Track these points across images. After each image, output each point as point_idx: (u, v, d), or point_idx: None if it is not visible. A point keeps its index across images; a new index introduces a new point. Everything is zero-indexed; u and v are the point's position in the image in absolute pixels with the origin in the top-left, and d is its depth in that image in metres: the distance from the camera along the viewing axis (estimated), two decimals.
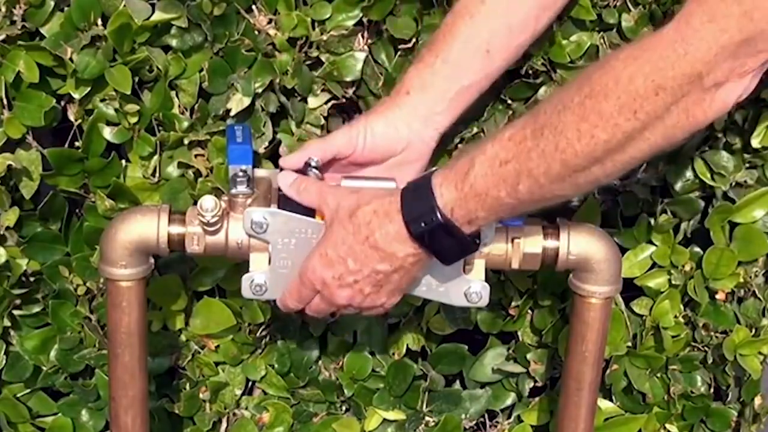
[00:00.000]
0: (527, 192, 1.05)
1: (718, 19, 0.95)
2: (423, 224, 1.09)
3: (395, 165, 1.26)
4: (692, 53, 0.96)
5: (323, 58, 1.35)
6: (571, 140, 1.00)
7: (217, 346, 1.50)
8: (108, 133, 1.35)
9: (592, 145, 1.00)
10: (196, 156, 1.37)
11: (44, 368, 1.47)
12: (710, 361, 1.50)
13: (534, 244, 1.23)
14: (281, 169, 1.26)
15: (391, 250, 1.12)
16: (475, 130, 1.37)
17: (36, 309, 1.44)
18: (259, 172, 1.26)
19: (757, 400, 1.55)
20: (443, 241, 1.10)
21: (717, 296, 1.48)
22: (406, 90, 1.25)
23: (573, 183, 1.04)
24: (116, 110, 1.33)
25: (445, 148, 1.37)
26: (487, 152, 1.05)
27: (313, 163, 1.22)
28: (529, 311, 1.52)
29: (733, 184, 1.43)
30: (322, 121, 1.38)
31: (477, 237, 1.12)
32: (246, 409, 1.54)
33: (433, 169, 1.13)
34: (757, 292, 1.49)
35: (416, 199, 1.10)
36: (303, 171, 1.23)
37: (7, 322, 1.43)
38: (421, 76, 1.24)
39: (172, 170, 1.37)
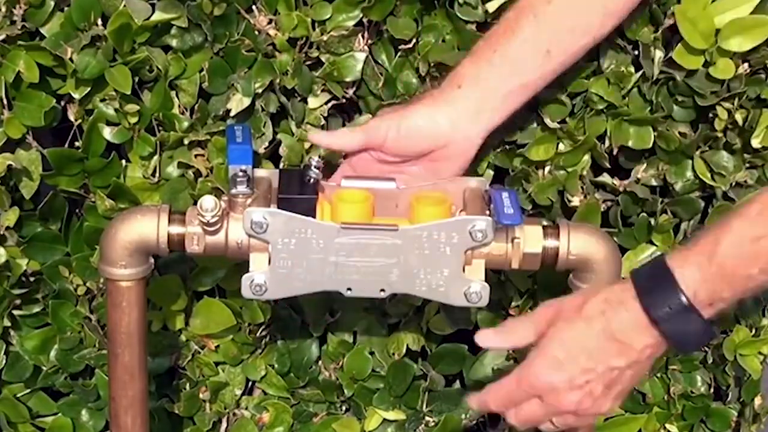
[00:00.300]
0: None
1: None
2: (668, 308, 1.02)
3: (432, 161, 1.23)
4: None
5: (323, 58, 1.35)
6: None
7: (217, 346, 1.50)
8: (108, 133, 1.35)
9: None
10: (196, 156, 1.37)
11: (44, 368, 1.47)
12: (710, 361, 1.50)
13: (534, 244, 1.23)
14: (281, 170, 1.26)
15: (629, 342, 1.05)
16: None
17: (36, 309, 1.44)
18: (259, 172, 1.26)
19: (757, 400, 1.55)
20: (687, 327, 1.02)
21: None
22: (458, 83, 1.20)
23: None
24: (116, 110, 1.33)
25: None
26: (734, 229, 1.00)
27: (314, 164, 1.22)
28: (529, 311, 1.51)
29: (733, 184, 1.43)
30: (322, 122, 1.38)
31: (715, 323, 1.05)
32: (246, 409, 1.54)
33: (661, 253, 1.06)
34: None
35: (654, 284, 1.03)
36: (303, 171, 1.23)
37: (7, 322, 1.43)
38: (476, 69, 1.20)
39: (172, 170, 1.37)
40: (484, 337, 1.15)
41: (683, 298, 1.02)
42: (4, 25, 1.28)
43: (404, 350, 1.51)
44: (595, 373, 1.07)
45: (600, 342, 1.06)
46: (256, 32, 1.33)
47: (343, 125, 1.41)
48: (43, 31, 1.30)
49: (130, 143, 1.36)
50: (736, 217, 1.01)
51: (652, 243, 1.46)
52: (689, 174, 1.42)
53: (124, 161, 1.37)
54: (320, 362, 1.53)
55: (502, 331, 1.15)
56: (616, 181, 1.43)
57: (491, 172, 1.42)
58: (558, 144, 1.39)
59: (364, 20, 1.34)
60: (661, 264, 1.04)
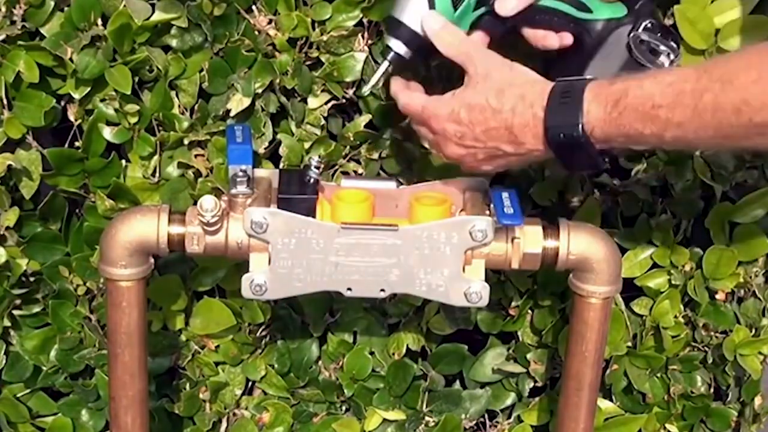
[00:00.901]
0: (672, 139, 1.04)
1: None
2: (561, 135, 1.08)
3: None
4: None
5: (323, 58, 1.35)
6: (728, 115, 0.99)
7: (217, 346, 1.50)
8: (108, 133, 1.35)
9: (749, 126, 0.99)
10: (196, 156, 1.37)
11: (44, 368, 1.47)
12: (710, 361, 1.50)
13: (534, 244, 1.23)
14: (281, 170, 1.26)
15: (522, 139, 1.12)
16: None
17: (36, 309, 1.44)
18: (259, 172, 1.26)
19: (757, 400, 1.56)
20: (575, 155, 1.10)
21: (717, 296, 1.48)
22: None
23: (719, 144, 1.04)
24: (116, 110, 1.33)
25: None
26: (644, 88, 1.04)
27: (314, 164, 1.22)
28: (529, 311, 1.52)
29: (733, 184, 1.43)
30: (322, 122, 1.38)
31: (606, 156, 1.12)
32: (246, 409, 1.54)
33: (589, 77, 1.11)
34: (757, 292, 1.49)
35: (563, 105, 1.09)
36: (303, 172, 1.23)
37: (7, 322, 1.43)
38: None
39: (172, 170, 1.37)
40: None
41: (580, 131, 1.07)
42: (4, 25, 1.28)
43: (404, 350, 1.51)
44: (483, 146, 1.15)
45: (498, 126, 1.12)
46: (256, 32, 1.33)
47: (343, 125, 1.41)
48: (43, 31, 1.30)
49: (130, 143, 1.36)
50: (653, 77, 1.05)
51: (652, 243, 1.46)
52: (689, 174, 1.42)
53: (124, 161, 1.37)
54: (320, 362, 1.53)
55: (449, 34, 1.19)
56: (616, 181, 1.43)
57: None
58: None
59: (364, 20, 1.34)
60: (579, 90, 1.08)
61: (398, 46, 1.21)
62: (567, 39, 1.22)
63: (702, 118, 1.00)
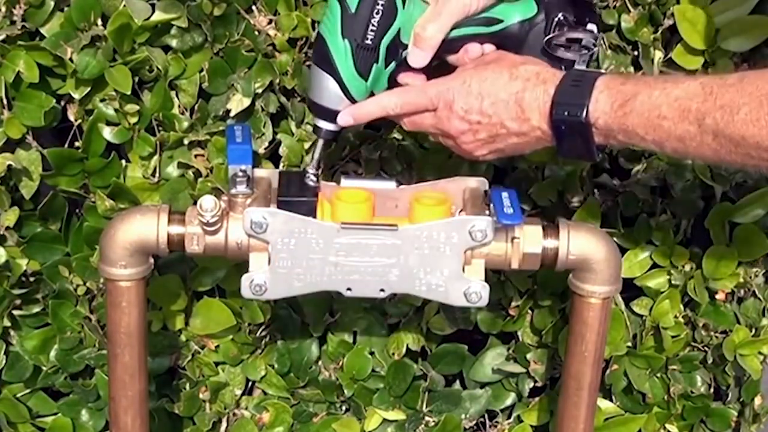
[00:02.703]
0: (671, 150, 1.07)
1: None
2: (566, 113, 1.09)
3: None
4: None
5: None
6: (727, 143, 1.02)
7: (217, 346, 1.50)
8: (108, 133, 1.35)
9: (746, 156, 1.02)
10: (196, 156, 1.37)
11: (44, 368, 1.47)
12: (710, 361, 1.50)
13: (534, 243, 1.23)
14: (281, 172, 1.26)
15: (529, 114, 1.12)
16: None
17: (36, 309, 1.44)
18: (259, 172, 1.26)
19: (757, 400, 1.56)
20: (573, 138, 1.11)
21: (717, 296, 1.48)
22: None
23: (717, 162, 1.07)
24: (116, 110, 1.33)
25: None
26: (653, 98, 1.06)
27: (311, 171, 1.22)
28: (529, 311, 1.52)
29: (733, 184, 1.43)
30: None
31: (602, 150, 1.13)
32: (246, 409, 1.54)
33: (603, 71, 1.13)
34: (757, 292, 1.49)
35: (574, 87, 1.10)
36: (302, 175, 1.23)
37: (7, 322, 1.43)
38: None
39: (172, 170, 1.37)
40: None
41: (583, 116, 1.08)
42: (4, 25, 1.28)
43: (404, 350, 1.51)
44: (489, 121, 1.14)
45: (509, 99, 1.13)
46: (256, 32, 1.33)
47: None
48: (43, 31, 1.30)
49: (130, 143, 1.36)
50: (662, 87, 1.06)
51: (651, 243, 1.46)
52: (689, 174, 1.42)
53: (124, 161, 1.37)
54: (320, 362, 1.53)
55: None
56: (616, 181, 1.43)
57: (491, 172, 1.42)
58: None
59: None
60: (592, 77, 1.10)
61: (326, 125, 1.21)
62: (489, 47, 1.22)
63: (702, 139, 1.03)
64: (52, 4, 1.29)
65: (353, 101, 1.19)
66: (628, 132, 1.07)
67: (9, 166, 1.32)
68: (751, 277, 1.48)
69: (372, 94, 1.19)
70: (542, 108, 1.11)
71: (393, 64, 1.20)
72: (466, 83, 1.15)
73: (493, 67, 1.15)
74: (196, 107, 1.35)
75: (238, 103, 1.34)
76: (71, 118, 1.35)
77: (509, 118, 1.13)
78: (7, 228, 1.37)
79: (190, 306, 1.46)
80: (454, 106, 1.15)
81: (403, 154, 1.40)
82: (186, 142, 1.36)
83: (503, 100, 1.13)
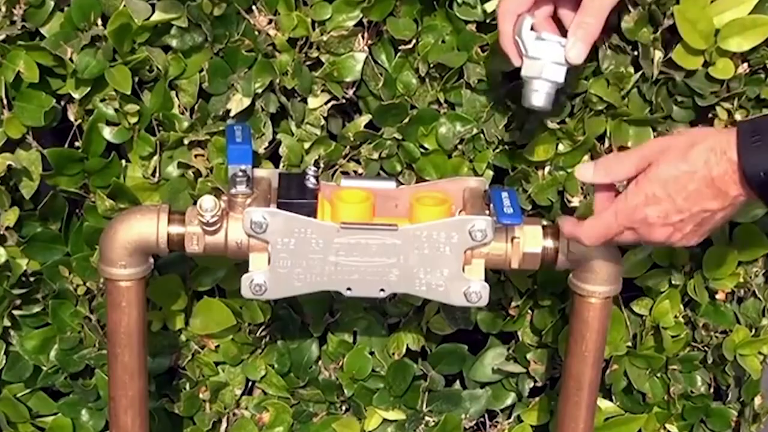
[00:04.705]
0: None
1: None
2: (762, 174, 1.06)
3: None
4: None
5: (323, 58, 1.35)
6: None
7: (217, 346, 1.50)
8: (108, 133, 1.35)
9: None
10: (196, 156, 1.37)
11: (44, 368, 1.47)
12: (710, 361, 1.50)
13: (534, 243, 1.23)
14: (281, 173, 1.26)
15: (725, 189, 1.09)
16: (475, 130, 1.37)
17: (36, 309, 1.44)
18: (259, 172, 1.26)
19: (757, 400, 1.56)
20: None
21: (717, 296, 1.48)
22: None
23: None
24: (116, 110, 1.33)
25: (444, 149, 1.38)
26: None
27: (311, 173, 1.22)
28: (529, 311, 1.52)
29: None
30: (322, 122, 1.38)
31: None
32: (246, 409, 1.54)
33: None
34: (757, 292, 1.49)
35: (757, 146, 1.07)
36: (302, 176, 1.23)
37: (7, 322, 1.43)
38: None
39: (172, 170, 1.37)
40: (583, 171, 1.18)
41: None
42: (4, 25, 1.28)
43: (404, 350, 1.51)
44: (689, 213, 1.12)
45: (699, 186, 1.10)
46: (256, 32, 1.33)
47: (343, 126, 1.41)
48: (43, 31, 1.30)
49: (130, 143, 1.36)
50: None
51: None
52: None
53: (124, 161, 1.37)
54: (320, 362, 1.53)
55: (602, 166, 1.17)
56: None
57: (491, 172, 1.42)
58: (557, 144, 1.39)
59: (364, 20, 1.34)
60: (761, 123, 1.07)
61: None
62: None
63: None
64: (52, 4, 1.29)
65: None
66: None
67: (9, 166, 1.32)
68: (751, 277, 1.48)
69: None
70: (735, 177, 1.08)
71: None
72: (649, 194, 1.12)
73: (664, 167, 1.11)
74: (196, 107, 1.35)
75: (238, 103, 1.34)
76: (71, 118, 1.35)
77: (708, 201, 1.11)
78: (7, 228, 1.37)
79: (190, 306, 1.46)
80: (650, 219, 1.13)
81: (403, 154, 1.40)
82: (186, 142, 1.36)
83: (695, 189, 1.10)
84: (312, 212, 1.20)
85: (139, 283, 1.23)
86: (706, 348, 1.50)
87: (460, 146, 1.39)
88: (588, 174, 1.17)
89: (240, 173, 1.20)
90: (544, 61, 1.18)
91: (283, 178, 1.25)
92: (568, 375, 1.33)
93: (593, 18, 1.18)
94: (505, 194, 1.21)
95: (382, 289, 1.23)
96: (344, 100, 1.38)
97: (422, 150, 1.39)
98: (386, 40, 1.36)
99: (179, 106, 1.36)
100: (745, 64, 1.34)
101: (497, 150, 1.40)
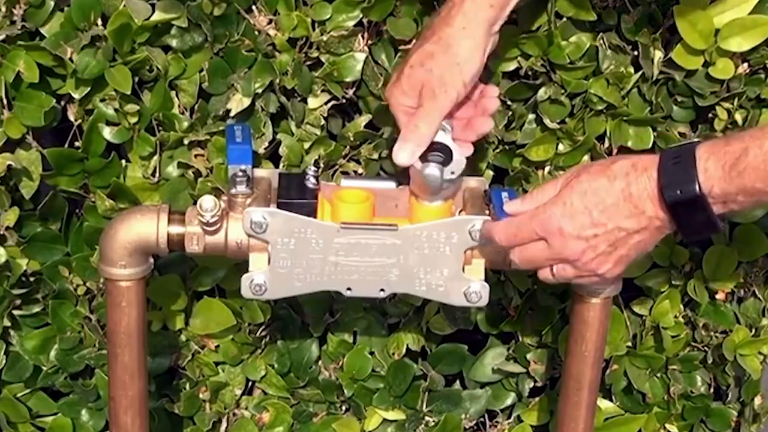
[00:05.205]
0: None
1: None
2: (679, 192, 1.06)
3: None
4: None
5: (323, 58, 1.35)
6: None
7: (217, 346, 1.50)
8: (108, 133, 1.35)
9: None
10: (196, 156, 1.37)
11: (44, 368, 1.47)
12: (710, 361, 1.50)
13: None
14: (281, 173, 1.26)
15: (642, 207, 1.09)
16: None
17: (36, 309, 1.44)
18: (259, 172, 1.26)
19: (757, 400, 1.56)
20: (693, 215, 1.07)
21: (717, 296, 1.48)
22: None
23: None
24: (116, 110, 1.33)
25: None
26: (764, 148, 1.04)
27: (311, 173, 1.22)
28: (529, 311, 1.52)
29: None
30: (322, 122, 1.38)
31: (723, 218, 1.10)
32: (246, 409, 1.54)
33: (696, 140, 1.11)
34: (757, 292, 1.49)
35: (677, 164, 1.07)
36: (302, 177, 1.23)
37: (7, 322, 1.43)
38: None
39: (172, 170, 1.37)
40: (512, 207, 1.18)
41: (697, 188, 1.05)
42: (4, 25, 1.28)
43: (404, 350, 1.51)
44: (604, 229, 1.10)
45: (617, 200, 1.09)
46: (256, 32, 1.33)
47: (343, 126, 1.41)
48: (43, 31, 1.30)
49: (130, 143, 1.36)
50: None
51: None
52: None
53: (124, 161, 1.37)
54: (320, 362, 1.53)
55: (529, 196, 1.17)
56: None
57: (491, 172, 1.42)
58: (558, 144, 1.39)
59: (364, 20, 1.34)
60: (690, 150, 1.07)
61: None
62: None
63: None
64: (52, 4, 1.29)
65: None
66: (748, 190, 1.05)
67: (9, 166, 1.32)
68: (751, 277, 1.48)
69: None
70: (652, 195, 1.08)
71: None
72: (567, 204, 1.11)
73: (585, 177, 1.11)
74: (196, 107, 1.35)
75: (238, 103, 1.34)
76: (71, 118, 1.35)
77: (624, 218, 1.10)
78: (7, 228, 1.37)
79: (190, 306, 1.46)
80: (565, 230, 1.11)
81: None
82: (186, 142, 1.36)
83: (612, 204, 1.09)
84: (312, 212, 1.20)
85: (139, 283, 1.23)
86: (706, 348, 1.50)
87: None
88: (516, 208, 1.17)
89: (240, 173, 1.20)
90: (429, 186, 1.19)
91: (283, 178, 1.25)
92: (568, 375, 1.33)
93: (426, 125, 1.18)
94: (505, 194, 1.21)
95: (382, 289, 1.23)
96: (344, 100, 1.38)
97: None
98: (386, 40, 1.36)
99: (179, 106, 1.36)
100: (745, 64, 1.34)
101: (497, 150, 1.40)
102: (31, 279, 1.41)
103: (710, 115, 1.37)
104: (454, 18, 1.17)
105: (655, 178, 1.08)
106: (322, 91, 1.37)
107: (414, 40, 1.34)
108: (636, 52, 1.36)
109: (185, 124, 1.35)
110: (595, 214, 1.10)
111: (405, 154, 1.18)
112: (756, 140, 1.04)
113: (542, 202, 1.14)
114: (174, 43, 1.32)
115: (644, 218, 1.10)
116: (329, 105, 1.38)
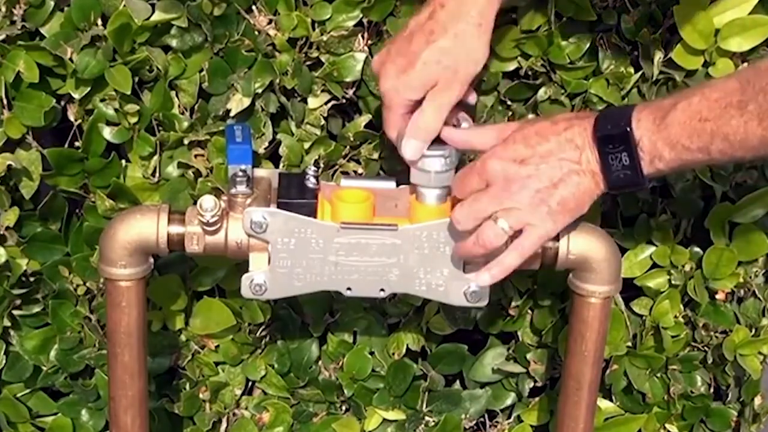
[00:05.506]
0: (717, 152, 1.06)
1: None
2: (609, 127, 1.09)
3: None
4: None
5: (323, 58, 1.35)
6: None
7: (217, 346, 1.50)
8: (108, 133, 1.35)
9: None
10: (196, 156, 1.37)
11: (44, 368, 1.47)
12: (710, 361, 1.50)
13: None
14: (281, 173, 1.26)
15: (578, 143, 1.12)
16: None
17: (36, 309, 1.44)
18: (259, 172, 1.26)
19: (757, 400, 1.56)
20: (619, 157, 1.10)
21: (717, 296, 1.48)
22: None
23: (764, 153, 1.06)
24: (116, 110, 1.33)
25: None
26: (693, 104, 1.06)
27: (311, 173, 1.22)
28: (529, 311, 1.52)
29: (733, 184, 1.43)
30: (322, 122, 1.38)
31: (650, 180, 1.13)
32: (246, 409, 1.54)
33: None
34: (757, 292, 1.49)
35: (613, 113, 1.12)
36: (302, 177, 1.23)
37: (7, 322, 1.43)
38: None
39: (172, 170, 1.37)
40: (447, 132, 1.20)
41: (627, 128, 1.08)
42: (4, 25, 1.28)
43: (404, 350, 1.51)
44: (546, 161, 1.12)
45: (558, 138, 1.12)
46: (256, 32, 1.33)
47: (343, 125, 1.41)
48: (43, 31, 1.30)
49: (130, 143, 1.36)
50: (700, 92, 1.07)
51: (651, 243, 1.46)
52: (689, 174, 1.42)
53: (124, 161, 1.37)
54: (320, 362, 1.53)
55: (467, 131, 1.20)
56: None
57: None
58: None
59: (364, 20, 1.34)
60: (629, 108, 1.11)
61: None
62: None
63: (747, 128, 1.03)
64: (52, 4, 1.29)
65: None
66: (673, 144, 1.07)
67: (9, 166, 1.32)
68: (751, 277, 1.48)
69: None
70: (589, 138, 1.11)
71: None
72: (511, 147, 1.14)
73: (529, 125, 1.15)
74: (196, 107, 1.35)
75: (238, 103, 1.34)
76: (71, 118, 1.35)
77: (564, 151, 1.12)
78: (7, 228, 1.37)
79: (190, 306, 1.46)
80: (510, 171, 1.13)
81: None
82: (186, 142, 1.36)
83: (554, 140, 1.12)
84: (312, 212, 1.20)
85: (139, 283, 1.23)
86: (706, 348, 1.50)
87: None
88: (452, 135, 1.19)
89: (240, 173, 1.20)
90: (431, 173, 1.19)
91: (283, 178, 1.25)
92: (568, 375, 1.33)
93: (436, 120, 1.19)
94: None
95: (382, 289, 1.23)
96: (344, 100, 1.38)
97: None
98: (386, 40, 1.36)
99: (179, 106, 1.36)
100: (745, 64, 1.34)
101: None
102: (31, 279, 1.41)
103: None
104: (469, 12, 1.17)
105: (593, 124, 1.11)
106: (322, 91, 1.37)
107: None
108: (636, 52, 1.36)
109: (185, 124, 1.35)
110: (539, 148, 1.13)
111: (412, 148, 1.19)
112: (686, 96, 1.07)
113: (476, 144, 1.18)
114: (174, 43, 1.32)
115: (583, 157, 1.12)
116: (329, 105, 1.38)
